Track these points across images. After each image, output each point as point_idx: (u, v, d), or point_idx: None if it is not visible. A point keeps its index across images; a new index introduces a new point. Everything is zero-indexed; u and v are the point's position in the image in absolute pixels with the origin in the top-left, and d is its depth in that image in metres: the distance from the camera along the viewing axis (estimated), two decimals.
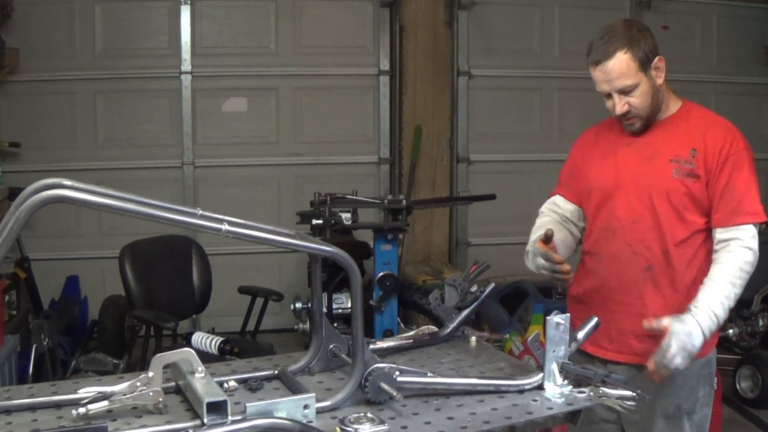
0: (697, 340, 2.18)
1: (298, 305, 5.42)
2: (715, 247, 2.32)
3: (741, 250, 2.27)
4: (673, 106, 2.44)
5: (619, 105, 2.34)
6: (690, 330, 2.18)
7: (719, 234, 2.32)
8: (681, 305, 2.29)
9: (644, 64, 2.29)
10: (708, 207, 2.34)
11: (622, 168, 2.43)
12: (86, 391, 1.73)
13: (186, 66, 6.02)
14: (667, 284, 2.37)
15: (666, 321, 2.20)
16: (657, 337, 2.26)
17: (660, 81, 2.34)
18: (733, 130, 2.37)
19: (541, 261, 2.36)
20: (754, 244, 2.29)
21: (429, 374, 1.93)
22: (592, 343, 2.39)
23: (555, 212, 2.63)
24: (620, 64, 2.28)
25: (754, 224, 2.30)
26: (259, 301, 4.45)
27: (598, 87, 2.37)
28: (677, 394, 2.39)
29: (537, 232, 2.52)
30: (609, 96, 2.36)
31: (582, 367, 1.96)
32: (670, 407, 2.40)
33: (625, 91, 2.31)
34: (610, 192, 2.44)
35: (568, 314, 2.02)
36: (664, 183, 2.35)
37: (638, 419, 2.43)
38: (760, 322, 4.74)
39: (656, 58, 2.32)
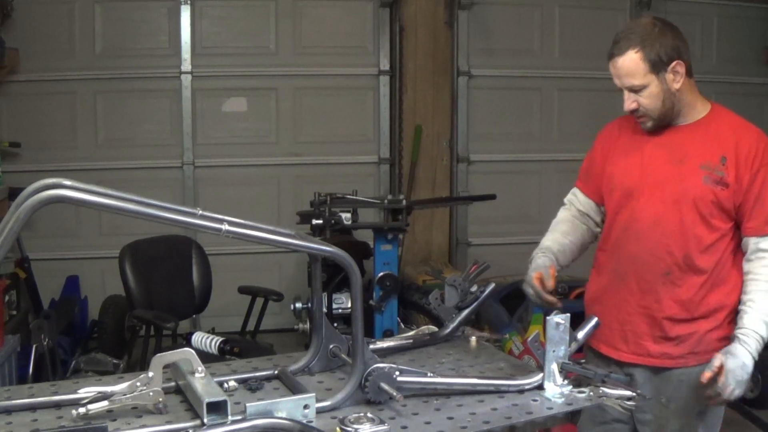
0: (749, 367, 2.23)
1: (298, 305, 5.41)
2: (749, 256, 2.32)
3: None
4: (702, 109, 2.38)
5: (627, 102, 2.32)
6: (743, 362, 2.22)
7: (753, 243, 2.31)
8: (698, 308, 2.34)
9: (657, 66, 2.25)
10: (733, 213, 2.32)
11: (648, 168, 2.38)
12: (86, 391, 1.74)
13: (186, 66, 6.02)
14: (687, 289, 2.35)
15: (718, 360, 2.22)
16: (673, 339, 2.34)
17: (677, 85, 2.28)
18: (764, 138, 2.33)
19: (530, 290, 2.46)
20: None
21: (429, 374, 1.93)
22: (607, 344, 2.44)
23: (574, 205, 2.66)
24: (630, 63, 2.26)
25: None
26: (259, 301, 4.45)
27: (614, 80, 2.35)
28: (690, 394, 2.37)
29: (554, 230, 2.64)
30: (622, 90, 2.34)
31: (582, 366, 1.96)
32: (684, 407, 2.39)
33: (633, 90, 2.29)
34: (634, 192, 2.39)
35: (568, 314, 2.02)
36: (694, 189, 2.31)
37: (651, 419, 2.44)
38: None
39: (674, 62, 2.26)
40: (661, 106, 2.30)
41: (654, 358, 2.38)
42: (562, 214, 2.68)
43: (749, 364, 2.23)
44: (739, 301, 2.32)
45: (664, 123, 2.35)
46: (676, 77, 2.27)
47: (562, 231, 2.63)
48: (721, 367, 2.21)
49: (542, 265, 2.48)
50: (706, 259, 2.33)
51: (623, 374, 2.21)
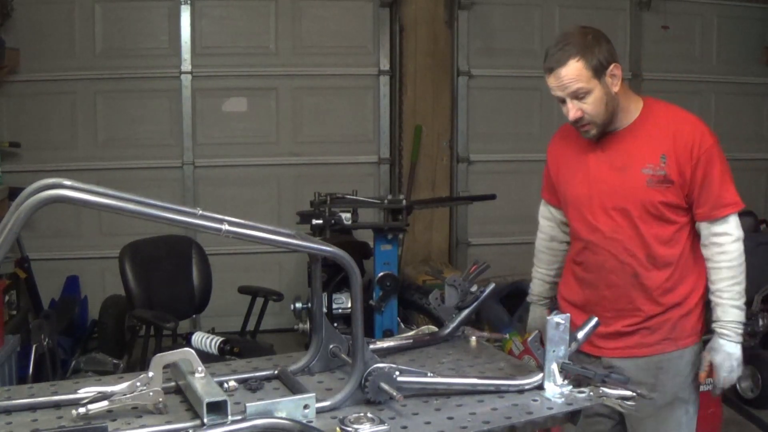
0: (737, 352, 2.38)
1: (298, 305, 5.41)
2: (704, 242, 2.41)
3: (732, 245, 2.38)
4: (635, 109, 2.42)
5: (573, 111, 2.33)
6: (727, 352, 2.37)
7: (705, 228, 2.40)
8: (670, 299, 2.42)
9: (598, 72, 2.29)
10: (686, 205, 2.39)
11: (594, 180, 2.45)
12: (86, 391, 1.74)
13: (186, 66, 6.02)
14: (656, 284, 2.42)
15: (706, 360, 2.41)
16: (648, 328, 2.44)
17: (616, 89, 2.33)
18: (699, 125, 2.38)
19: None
20: (740, 232, 2.39)
21: (429, 374, 1.93)
22: (588, 343, 2.38)
23: (549, 220, 2.75)
24: (573, 71, 2.28)
25: (736, 213, 2.40)
26: (259, 301, 4.45)
27: (552, 93, 2.37)
28: (673, 382, 2.45)
29: (538, 262, 2.81)
30: (564, 102, 2.35)
31: (582, 366, 1.96)
32: (668, 397, 2.45)
33: (578, 96, 2.31)
34: (586, 205, 2.47)
35: (568, 314, 2.02)
36: (639, 194, 2.37)
37: (636, 410, 2.45)
38: (760, 322, 4.73)
39: (612, 66, 2.31)
40: (605, 111, 2.33)
41: (632, 349, 2.45)
42: (541, 239, 2.80)
43: (735, 351, 2.37)
44: (706, 286, 2.43)
45: (606, 129, 2.39)
46: (614, 80, 2.32)
47: (546, 263, 2.79)
48: (710, 364, 2.37)
49: (541, 322, 2.55)
50: (669, 253, 2.41)
51: (604, 369, 2.25)
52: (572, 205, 2.52)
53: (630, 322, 2.45)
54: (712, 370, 2.43)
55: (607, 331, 2.43)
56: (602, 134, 2.41)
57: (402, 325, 4.66)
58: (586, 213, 2.46)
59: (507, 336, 4.56)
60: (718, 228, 2.38)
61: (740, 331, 2.38)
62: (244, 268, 5.92)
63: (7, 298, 4.60)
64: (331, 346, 2.04)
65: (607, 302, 2.47)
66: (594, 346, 2.47)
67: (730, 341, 2.37)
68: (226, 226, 1.67)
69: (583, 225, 2.48)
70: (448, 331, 2.35)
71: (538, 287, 2.82)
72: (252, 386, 1.92)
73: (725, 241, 2.37)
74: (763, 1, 6.83)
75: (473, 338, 2.35)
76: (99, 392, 1.72)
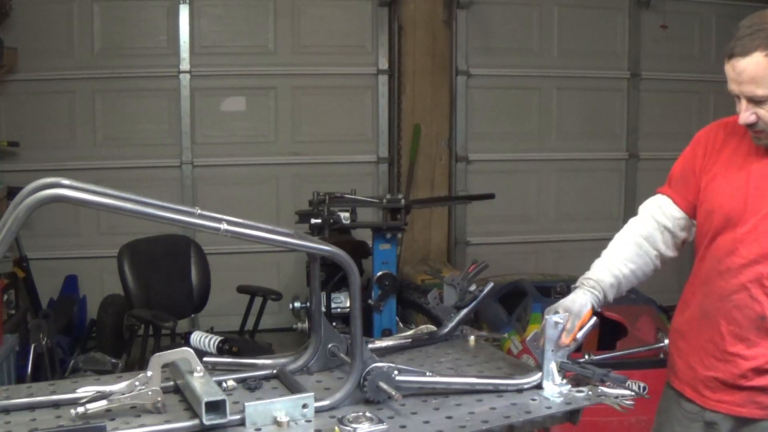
0: None
1: (297, 304, 5.41)
2: None
3: None
4: None
5: (744, 114, 1.91)
6: None
7: None
8: None
9: None
10: None
11: (755, 191, 1.98)
12: (85, 391, 1.74)
13: (185, 65, 6.01)
14: None
15: None
16: (763, 388, 1.99)
17: None
18: None
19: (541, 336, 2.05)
20: None
21: (428, 373, 1.93)
22: (691, 388, 2.13)
23: (654, 218, 2.20)
24: (755, 67, 1.84)
25: None
26: (258, 300, 4.45)
27: (728, 84, 1.93)
28: None
29: (617, 251, 2.19)
30: (738, 98, 1.92)
31: (581, 366, 1.96)
32: None
33: (754, 100, 1.88)
34: (735, 220, 2.00)
35: (567, 314, 2.01)
36: None
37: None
38: None
39: None
40: None
41: (740, 407, 2.03)
42: (632, 231, 2.21)
43: None
44: None
45: None
46: None
47: (625, 256, 2.18)
48: None
49: (579, 304, 2.07)
50: None
51: (707, 422, 2.07)
52: (717, 213, 2.04)
53: (743, 376, 2.01)
54: None
55: (713, 378, 2.06)
56: None
57: (401, 325, 4.66)
58: (732, 228, 2.00)
59: (506, 335, 4.56)
60: None
61: None
62: (243, 267, 5.92)
63: (5, 297, 4.59)
64: (329, 346, 2.04)
65: (721, 340, 2.03)
66: (698, 393, 2.11)
67: None
68: (224, 226, 1.67)
69: (723, 242, 2.03)
70: (446, 330, 2.35)
71: (597, 272, 2.15)
72: (251, 385, 1.92)
73: None
74: (762, 0, 6.83)
75: (472, 337, 2.35)
76: (97, 392, 1.72)
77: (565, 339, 1.99)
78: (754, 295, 1.97)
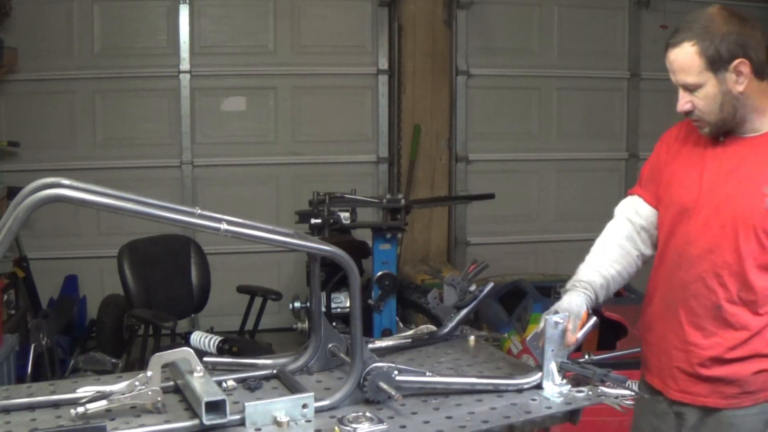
0: None
1: (297, 304, 5.41)
2: None
3: None
4: None
5: (681, 102, 2.04)
6: None
7: None
8: (754, 348, 2.03)
9: (715, 63, 1.94)
10: None
11: (707, 185, 2.07)
12: (85, 391, 1.74)
13: (185, 65, 6.01)
14: (742, 326, 2.04)
15: None
16: (722, 379, 2.05)
17: (740, 87, 1.96)
18: None
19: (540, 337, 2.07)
20: None
21: (428, 373, 1.94)
22: (659, 378, 2.20)
23: (631, 220, 2.27)
24: (684, 57, 1.97)
25: None
26: (258, 300, 4.45)
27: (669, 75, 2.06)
28: None
29: (601, 254, 2.24)
30: (678, 88, 2.05)
31: (581, 366, 1.96)
32: None
33: (687, 88, 2.01)
34: (689, 212, 2.08)
35: (566, 314, 2.02)
36: (754, 215, 1.99)
37: None
38: None
39: (737, 61, 1.94)
40: (719, 111, 2.00)
41: (704, 398, 2.09)
42: (613, 233, 2.28)
43: None
44: None
45: (723, 130, 2.06)
46: (739, 78, 1.96)
47: (611, 258, 2.24)
48: None
49: (576, 305, 2.10)
50: (765, 297, 2.02)
51: (676, 413, 2.14)
52: (675, 206, 2.13)
53: (702, 365, 2.07)
54: None
55: (676, 367, 2.13)
56: (727, 136, 2.07)
57: (401, 325, 4.66)
58: (686, 221, 2.09)
59: (506, 335, 4.56)
60: None
61: None
62: (243, 267, 5.92)
63: (5, 297, 4.59)
64: (329, 346, 2.04)
65: (680, 330, 2.11)
66: (663, 384, 2.18)
67: None
68: (224, 226, 1.67)
69: (680, 234, 2.11)
70: (446, 330, 2.35)
71: (587, 274, 2.20)
72: (251, 385, 1.92)
73: None
74: (763, 0, 6.82)
75: (472, 337, 2.35)
76: (98, 392, 1.72)
77: (571, 338, 2.01)
78: (709, 285, 2.05)
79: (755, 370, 2.03)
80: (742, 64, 1.95)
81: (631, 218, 2.27)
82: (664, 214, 2.19)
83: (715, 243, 2.04)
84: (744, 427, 2.07)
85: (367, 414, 1.67)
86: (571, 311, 2.06)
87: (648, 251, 2.27)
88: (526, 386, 1.94)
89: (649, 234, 2.26)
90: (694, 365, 2.08)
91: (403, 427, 1.71)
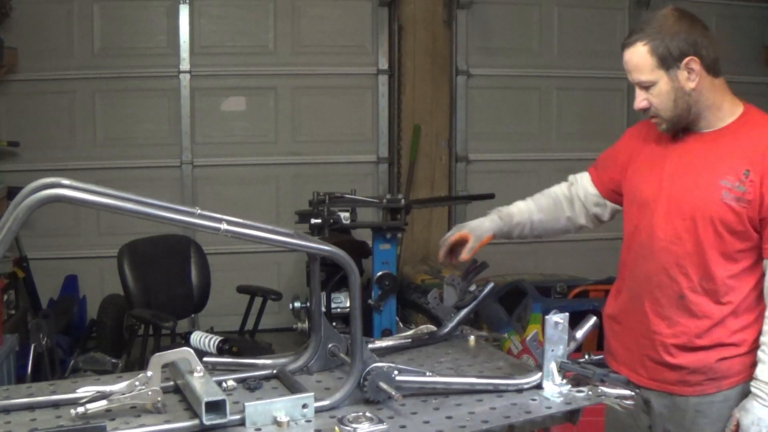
0: (766, 420, 2.03)
1: (297, 304, 5.41)
2: (766, 283, 2.10)
3: None
4: (730, 113, 2.14)
5: (637, 99, 2.14)
6: (758, 416, 2.03)
7: None
8: (715, 337, 2.12)
9: (666, 61, 2.04)
10: (755, 233, 2.08)
11: (667, 180, 2.17)
12: (85, 391, 1.74)
13: (185, 65, 6.01)
14: (705, 314, 2.12)
15: (734, 419, 2.08)
16: (687, 367, 2.15)
17: (691, 84, 2.05)
18: None
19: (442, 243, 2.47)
20: None
21: (428, 373, 1.93)
22: (627, 367, 2.27)
23: (574, 188, 2.49)
24: (636, 56, 2.08)
25: None
26: (258, 300, 4.45)
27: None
28: (708, 427, 2.18)
29: (535, 199, 2.55)
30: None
31: (581, 366, 1.96)
32: None
33: (642, 86, 2.11)
34: (651, 206, 2.19)
35: (567, 314, 2.02)
36: (711, 206, 2.08)
37: None
38: None
39: (688, 59, 2.02)
40: (673, 107, 2.09)
41: (671, 385, 2.19)
42: (554, 189, 2.54)
43: (765, 417, 2.03)
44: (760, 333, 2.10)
45: (679, 126, 2.15)
46: (690, 75, 2.05)
47: (540, 205, 2.52)
48: (737, 425, 2.07)
49: (483, 229, 2.43)
50: (726, 287, 2.11)
51: (642, 398, 2.16)
52: (637, 202, 2.24)
53: (668, 353, 2.17)
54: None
55: (645, 355, 2.22)
56: (685, 132, 2.17)
57: (401, 325, 4.66)
58: (649, 215, 2.19)
59: (506, 335, 4.56)
60: None
61: None
62: (243, 267, 5.92)
63: (5, 297, 4.59)
64: (329, 346, 2.04)
65: (646, 320, 2.20)
66: (633, 372, 2.25)
67: (763, 405, 2.03)
68: (224, 226, 1.67)
69: (643, 228, 2.21)
70: (446, 330, 2.35)
71: (512, 209, 2.53)
72: (251, 385, 1.92)
73: None
74: (762, 0, 6.83)
75: (472, 337, 2.35)
76: (98, 392, 1.72)
77: (465, 255, 2.27)
78: (672, 275, 2.15)
79: (718, 357, 2.13)
80: (693, 62, 2.04)
81: (574, 187, 2.49)
82: (629, 208, 2.31)
83: (676, 234, 2.14)
84: (710, 414, 2.16)
85: (367, 414, 1.67)
86: (474, 231, 2.38)
87: (579, 221, 2.49)
88: (526, 386, 1.94)
89: (584, 207, 2.47)
90: (660, 353, 2.18)
91: (403, 427, 1.71)
